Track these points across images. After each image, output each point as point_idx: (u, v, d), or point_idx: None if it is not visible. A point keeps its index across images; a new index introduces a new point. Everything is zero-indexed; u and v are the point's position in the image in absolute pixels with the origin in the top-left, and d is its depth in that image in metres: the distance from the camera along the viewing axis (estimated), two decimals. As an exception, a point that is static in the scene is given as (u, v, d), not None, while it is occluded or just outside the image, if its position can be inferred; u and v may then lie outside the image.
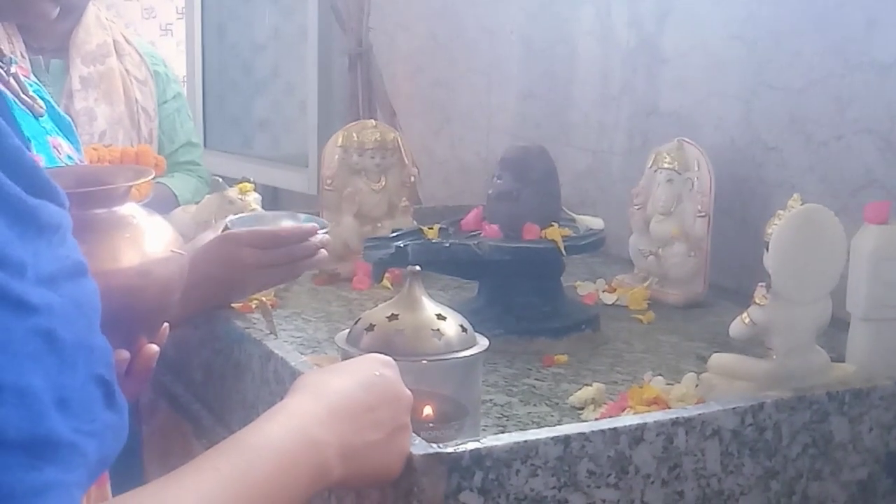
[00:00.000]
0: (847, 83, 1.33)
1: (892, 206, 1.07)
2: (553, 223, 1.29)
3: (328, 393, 0.70)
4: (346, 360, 0.80)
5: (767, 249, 0.95)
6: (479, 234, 1.32)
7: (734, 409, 0.82)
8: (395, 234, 1.32)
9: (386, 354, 0.88)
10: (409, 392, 0.76)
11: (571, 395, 1.10)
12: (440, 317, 0.89)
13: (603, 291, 1.50)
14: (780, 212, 0.95)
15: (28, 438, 0.50)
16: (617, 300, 1.47)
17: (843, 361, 1.04)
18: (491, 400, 1.09)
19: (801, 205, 0.95)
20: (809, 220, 0.95)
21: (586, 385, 1.11)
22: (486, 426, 1.00)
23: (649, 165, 1.49)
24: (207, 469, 0.61)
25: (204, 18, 3.05)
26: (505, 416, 1.05)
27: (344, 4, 1.82)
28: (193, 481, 0.60)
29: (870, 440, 0.88)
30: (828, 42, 1.35)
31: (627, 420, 0.80)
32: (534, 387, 1.15)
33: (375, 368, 0.75)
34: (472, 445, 0.74)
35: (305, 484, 0.65)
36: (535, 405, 1.09)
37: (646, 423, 0.79)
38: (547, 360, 1.22)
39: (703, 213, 1.42)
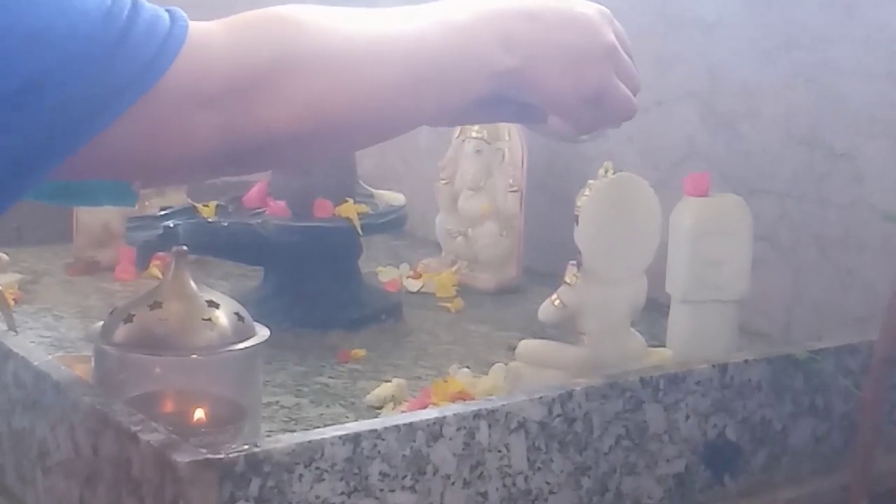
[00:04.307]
0: (668, 43, 1.39)
1: (713, 178, 1.13)
2: (348, 199, 1.30)
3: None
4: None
5: (577, 224, 0.99)
6: (264, 212, 1.32)
7: (540, 398, 0.85)
8: (163, 213, 1.31)
9: (148, 349, 0.87)
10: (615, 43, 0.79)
11: (369, 393, 1.11)
12: (211, 304, 0.89)
13: (407, 277, 1.53)
14: (591, 182, 0.99)
15: None
16: (422, 287, 1.50)
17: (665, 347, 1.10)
18: (277, 402, 1.10)
19: (613, 174, 0.99)
20: (621, 190, 0.99)
21: (386, 382, 1.13)
22: (270, 431, 1.00)
23: (456, 135, 1.52)
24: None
25: None
26: (293, 420, 1.06)
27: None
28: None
29: (686, 429, 0.93)
30: (646, -1, 1.41)
31: (424, 415, 0.81)
32: (327, 385, 1.16)
33: (582, 6, 0.78)
34: (247, 449, 0.74)
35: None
36: (327, 406, 1.10)
37: (444, 418, 0.81)
38: (342, 355, 1.24)
39: (515, 188, 1.46)
